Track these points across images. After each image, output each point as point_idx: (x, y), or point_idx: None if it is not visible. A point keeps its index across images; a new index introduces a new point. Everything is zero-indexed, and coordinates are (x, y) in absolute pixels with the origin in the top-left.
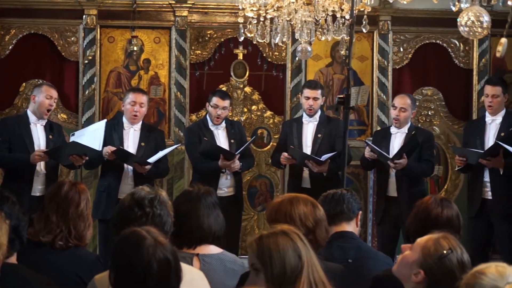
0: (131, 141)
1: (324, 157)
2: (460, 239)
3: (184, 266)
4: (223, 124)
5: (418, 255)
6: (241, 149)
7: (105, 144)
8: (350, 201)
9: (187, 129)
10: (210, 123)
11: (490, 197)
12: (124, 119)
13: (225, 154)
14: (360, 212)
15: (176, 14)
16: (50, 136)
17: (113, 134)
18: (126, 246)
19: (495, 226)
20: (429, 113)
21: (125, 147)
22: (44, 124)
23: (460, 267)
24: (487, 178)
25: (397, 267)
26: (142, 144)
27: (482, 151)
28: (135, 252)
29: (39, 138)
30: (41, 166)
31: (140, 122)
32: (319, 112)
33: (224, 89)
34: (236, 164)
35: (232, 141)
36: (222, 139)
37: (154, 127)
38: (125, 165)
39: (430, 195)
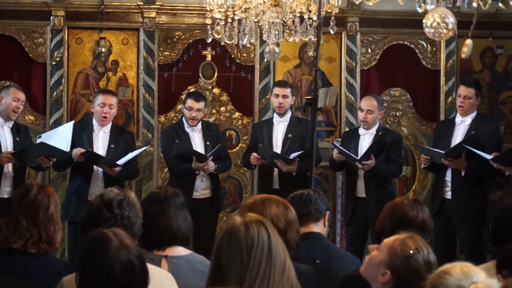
0: (100, 143)
1: (293, 155)
2: (432, 241)
3: (152, 268)
4: (199, 126)
5: (385, 255)
6: (213, 151)
7: (74, 146)
8: (317, 202)
9: (163, 131)
10: (186, 125)
11: (449, 197)
12: (94, 121)
13: (197, 156)
14: (328, 212)
15: (144, 16)
16: (17, 138)
17: (83, 136)
18: (92, 247)
19: (456, 227)
20: (397, 114)
21: (95, 149)
22: (11, 126)
23: (426, 267)
24: (448, 177)
25: (365, 267)
26: (112, 146)
27: (444, 152)
28: (99, 254)
29: (6, 140)
30: (8, 168)
31: (110, 124)
32: (289, 113)
33: (192, 90)
34: (210, 166)
35: (208, 143)
36: (197, 141)
37: (124, 129)
38: (95, 167)
39: (401, 196)
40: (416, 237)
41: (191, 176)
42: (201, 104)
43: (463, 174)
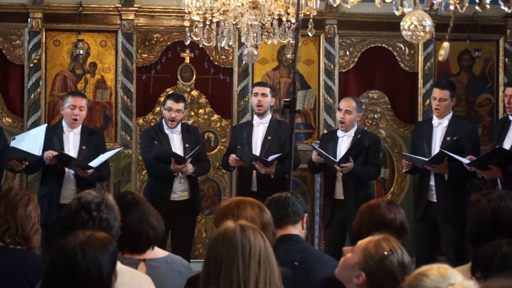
0: (71, 144)
1: (271, 157)
2: (407, 242)
3: (130, 271)
4: (179, 128)
5: (359, 257)
6: (191, 153)
7: (44, 148)
8: (295, 204)
9: (142, 133)
10: (165, 127)
11: (435, 200)
12: (64, 123)
13: (176, 158)
14: (306, 215)
15: (122, 18)
16: None
17: (53, 137)
18: (63, 247)
19: (440, 229)
20: (375, 116)
21: (66, 151)
22: None
23: (401, 268)
24: (432, 182)
25: (339, 269)
26: (83, 147)
27: (427, 159)
28: (64, 251)
29: None
30: None
31: (80, 126)
32: (269, 115)
33: (170, 92)
34: (189, 168)
35: (187, 145)
36: (176, 143)
37: (94, 130)
38: (67, 170)
39: (377, 198)
40: (390, 239)
41: (170, 178)
42: (180, 105)
43: (446, 178)
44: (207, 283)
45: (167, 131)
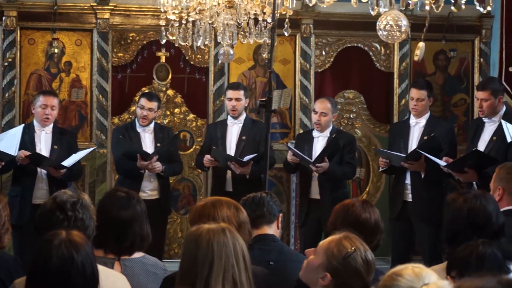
0: (43, 144)
1: (246, 158)
2: (382, 241)
3: (106, 270)
4: (151, 127)
5: (322, 258)
6: (157, 150)
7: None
8: (270, 204)
9: (114, 130)
10: (137, 125)
11: (410, 199)
12: (35, 122)
13: (141, 154)
14: (281, 214)
15: (98, 17)
16: None
17: (25, 137)
18: (50, 245)
19: (415, 228)
20: (351, 116)
21: (37, 150)
22: None
23: (365, 266)
24: (408, 180)
25: (304, 272)
26: (55, 147)
27: (404, 155)
28: (43, 247)
29: None
30: None
31: (52, 125)
32: (244, 115)
33: (146, 91)
34: (156, 166)
35: (159, 144)
36: (148, 142)
37: (66, 130)
38: (39, 170)
39: (351, 198)
40: (352, 236)
41: (138, 176)
42: (153, 104)
43: (422, 176)
44: (182, 283)
45: (139, 129)
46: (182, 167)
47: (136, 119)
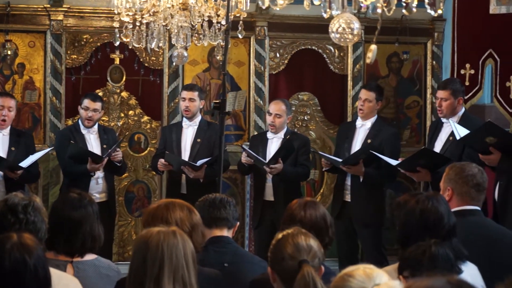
0: (0, 146)
1: (200, 162)
2: (331, 241)
3: (58, 273)
4: (95, 128)
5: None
6: (109, 152)
7: None
8: (234, 210)
9: (58, 132)
10: (82, 127)
11: (349, 200)
12: None
13: (92, 157)
14: (238, 223)
15: (51, 18)
16: None
17: None
18: (2, 248)
19: (356, 230)
20: (305, 118)
21: None
22: None
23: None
24: (348, 181)
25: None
26: (13, 148)
27: (341, 160)
28: (6, 252)
29: None
30: None
31: (9, 127)
32: (199, 117)
33: (100, 94)
34: (118, 154)
35: (105, 146)
36: (93, 144)
37: (23, 131)
38: None
39: (297, 199)
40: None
41: (86, 178)
42: (97, 105)
43: (361, 180)
44: (132, 283)
45: (83, 131)
46: (126, 166)
47: (79, 121)
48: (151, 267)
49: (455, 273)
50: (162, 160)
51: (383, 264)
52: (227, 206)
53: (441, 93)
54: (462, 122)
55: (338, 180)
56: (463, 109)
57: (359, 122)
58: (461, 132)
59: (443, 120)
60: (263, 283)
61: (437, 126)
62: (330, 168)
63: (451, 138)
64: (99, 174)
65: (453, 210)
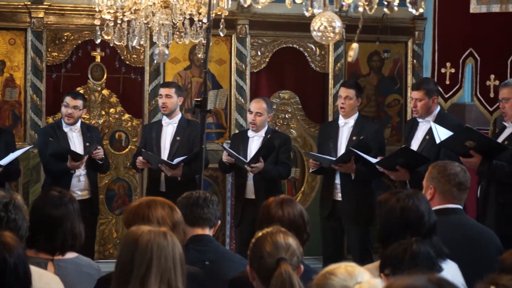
0: None
1: (176, 160)
2: (308, 238)
3: (39, 271)
4: (78, 126)
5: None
6: (88, 150)
7: None
8: (216, 209)
9: (40, 130)
10: (64, 125)
11: (340, 199)
12: None
13: (72, 155)
14: (219, 222)
15: (32, 16)
16: None
17: None
18: None
19: (345, 227)
20: (286, 116)
21: None
22: None
23: (274, 247)
24: (338, 180)
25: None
26: None
27: (334, 158)
28: None
29: None
30: None
31: None
32: (179, 115)
33: (81, 91)
34: (100, 152)
35: (88, 144)
36: (76, 141)
37: (3, 129)
38: None
39: (272, 197)
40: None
41: (67, 176)
42: (78, 102)
43: (353, 177)
44: (117, 281)
45: (65, 129)
46: (109, 164)
47: (61, 119)
48: (139, 266)
49: (435, 271)
50: (140, 158)
51: (368, 262)
52: (210, 205)
53: (415, 94)
54: (437, 121)
55: (325, 180)
56: (438, 108)
57: (341, 120)
58: (442, 134)
59: (419, 119)
60: (242, 281)
61: (413, 125)
62: (317, 169)
63: (427, 137)
64: (81, 171)
65: (435, 208)
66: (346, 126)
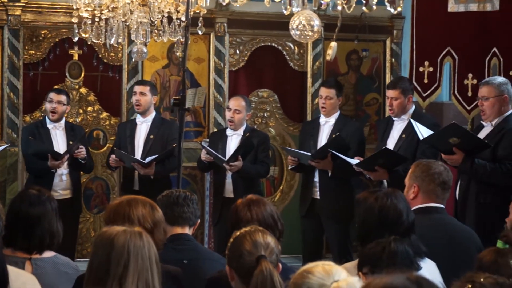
0: None
1: (148, 159)
2: (281, 235)
3: (15, 270)
4: (62, 124)
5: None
6: (68, 149)
7: None
8: (196, 208)
9: (23, 128)
10: (48, 122)
11: (318, 197)
12: None
13: (52, 154)
14: (199, 221)
15: (9, 13)
16: None
17: None
18: None
19: (324, 225)
20: (265, 114)
21: None
22: None
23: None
24: (316, 178)
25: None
26: None
27: (310, 154)
28: None
29: None
30: None
31: None
32: (153, 114)
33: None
34: (82, 151)
35: (71, 142)
36: (60, 140)
37: None
38: None
39: (240, 199)
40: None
41: (49, 175)
42: (62, 97)
43: (330, 174)
44: (91, 282)
45: (49, 125)
46: (93, 164)
47: (46, 117)
48: (116, 266)
49: (414, 270)
50: (113, 156)
51: (348, 260)
52: (190, 204)
53: (391, 93)
54: (413, 119)
55: (304, 178)
56: (413, 107)
57: (322, 119)
58: (423, 131)
59: (394, 118)
60: (219, 281)
61: (388, 124)
62: (296, 166)
63: (403, 135)
64: (63, 170)
65: (418, 207)
66: (327, 124)
